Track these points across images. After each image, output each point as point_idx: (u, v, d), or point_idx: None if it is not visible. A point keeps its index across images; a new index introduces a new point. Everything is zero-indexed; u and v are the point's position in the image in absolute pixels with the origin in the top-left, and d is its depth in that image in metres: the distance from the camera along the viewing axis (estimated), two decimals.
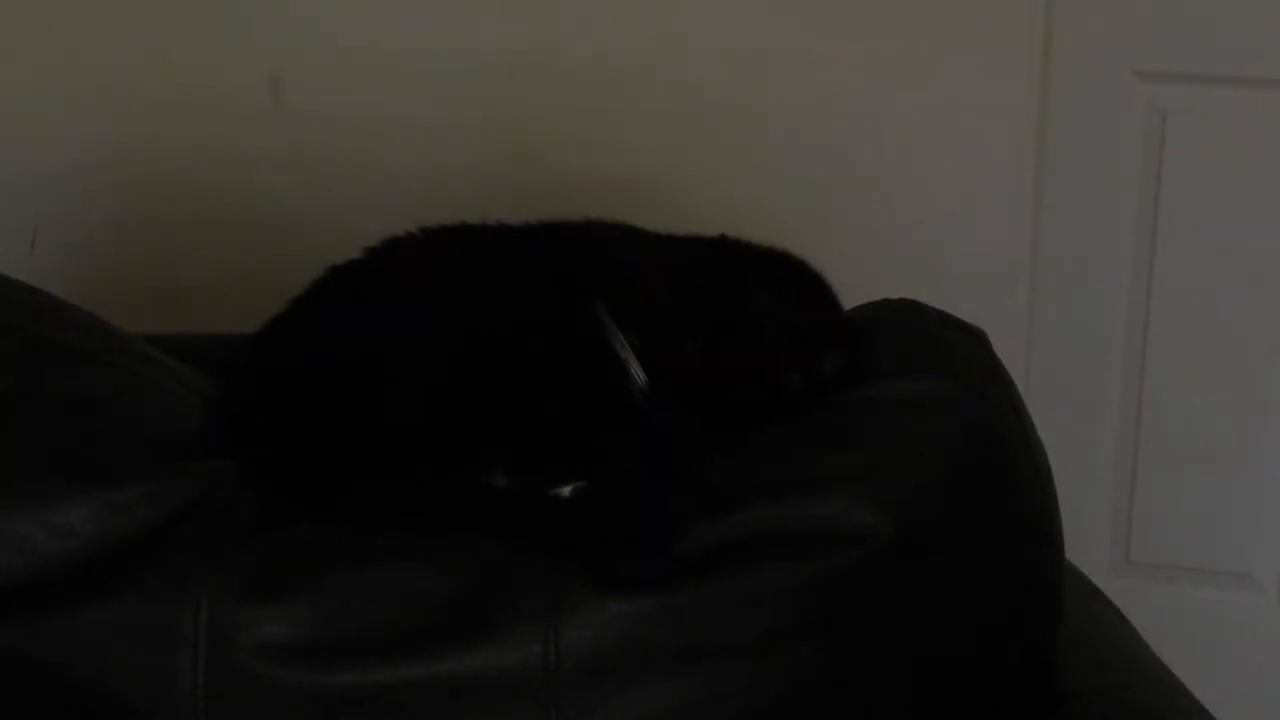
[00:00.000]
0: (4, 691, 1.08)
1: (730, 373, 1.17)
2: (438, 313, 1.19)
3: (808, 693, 1.10)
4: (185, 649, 1.07)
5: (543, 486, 1.12)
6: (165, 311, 1.81)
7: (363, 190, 1.89)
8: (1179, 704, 1.18)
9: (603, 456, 1.13)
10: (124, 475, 1.10)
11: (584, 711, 1.07)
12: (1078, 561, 1.32)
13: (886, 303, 1.29)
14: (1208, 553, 2.00)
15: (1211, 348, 1.93)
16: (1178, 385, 1.95)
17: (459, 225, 1.28)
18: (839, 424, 1.16)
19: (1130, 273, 1.93)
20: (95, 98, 1.86)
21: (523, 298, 1.19)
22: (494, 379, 1.15)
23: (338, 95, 1.87)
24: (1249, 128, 1.86)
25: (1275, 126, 1.85)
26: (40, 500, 1.09)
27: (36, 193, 1.90)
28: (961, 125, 1.88)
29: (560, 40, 1.87)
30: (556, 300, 1.19)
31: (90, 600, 1.08)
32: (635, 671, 1.07)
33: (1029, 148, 1.91)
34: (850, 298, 1.31)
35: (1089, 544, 1.96)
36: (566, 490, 1.12)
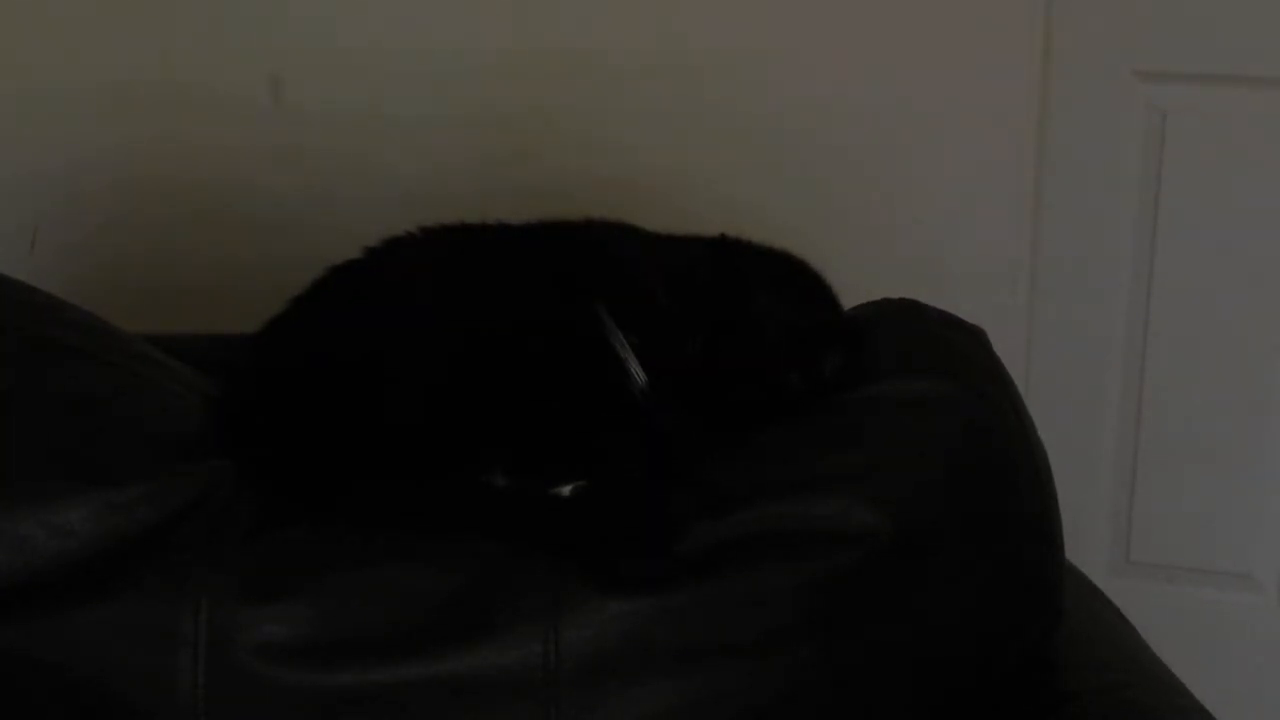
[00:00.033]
0: (4, 691, 1.08)
1: (730, 373, 1.17)
2: (438, 313, 1.19)
3: (808, 693, 1.10)
4: (185, 649, 1.07)
5: (543, 486, 1.12)
6: (165, 311, 1.81)
7: (363, 190, 1.89)
8: (1179, 704, 1.18)
9: (603, 456, 1.13)
10: (124, 475, 1.10)
11: (584, 711, 1.07)
12: (1078, 561, 1.32)
13: (886, 303, 1.29)
14: (1208, 553, 2.00)
15: (1211, 348, 1.93)
16: (1178, 385, 1.95)
17: (459, 225, 1.28)
18: (839, 424, 1.16)
19: (1130, 273, 1.93)
20: (95, 98, 1.86)
21: (523, 297, 1.19)
22: (494, 379, 1.15)
23: (338, 95, 1.87)
24: (1249, 128, 1.86)
25: (1275, 126, 1.85)
26: (40, 500, 1.09)
27: (36, 193, 1.90)
28: (961, 125, 1.88)
29: (560, 40, 1.87)
30: (556, 300, 1.19)
31: (90, 600, 1.08)
32: (635, 671, 1.07)
33: (1029, 148, 1.91)
34: (850, 298, 1.31)
35: (1089, 544, 1.96)
36: (566, 490, 1.12)
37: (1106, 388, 1.97)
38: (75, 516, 1.08)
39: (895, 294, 1.30)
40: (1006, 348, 1.27)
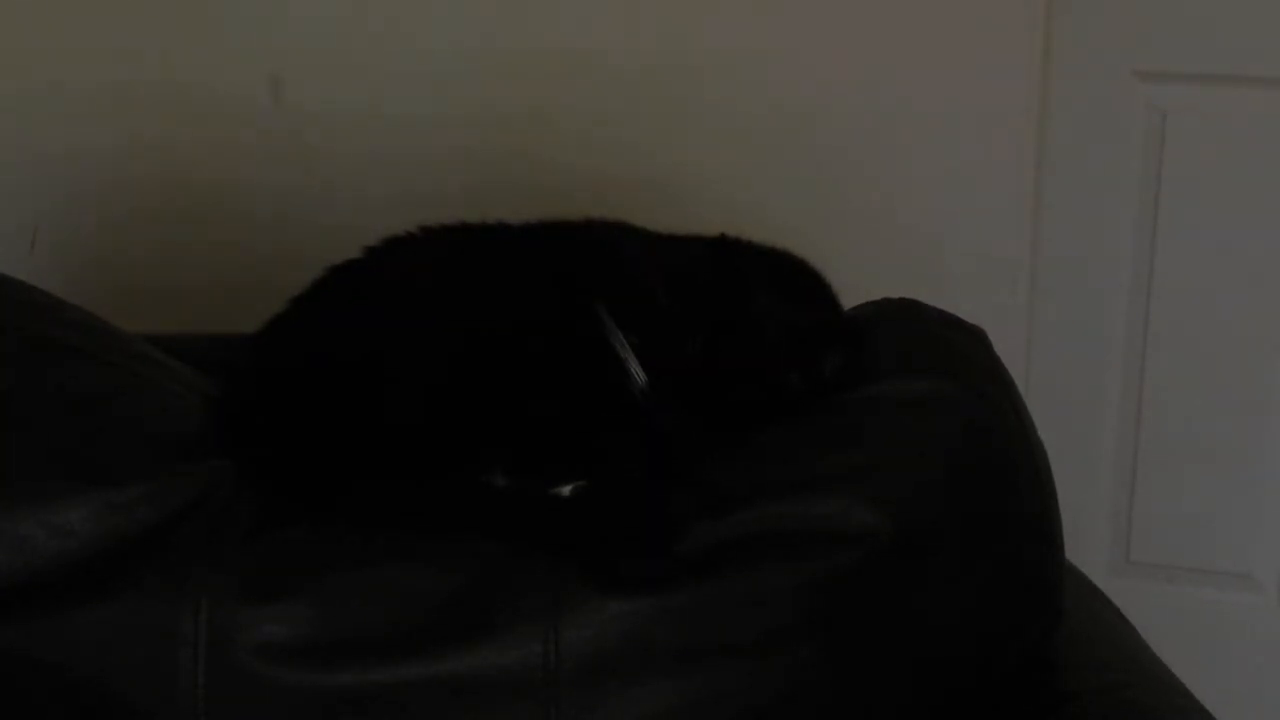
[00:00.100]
0: (4, 691, 1.08)
1: (730, 372, 1.17)
2: (438, 313, 1.19)
3: (808, 693, 1.10)
4: (185, 649, 1.07)
5: (543, 486, 1.12)
6: (165, 311, 1.81)
7: (362, 189, 1.89)
8: (1179, 704, 1.18)
9: (603, 456, 1.13)
10: (124, 475, 1.10)
11: (584, 711, 1.07)
12: (1078, 561, 1.32)
13: (886, 303, 1.29)
14: (1208, 553, 2.00)
15: (1211, 348, 1.93)
16: (1178, 385, 1.95)
17: (459, 224, 1.28)
18: (839, 424, 1.16)
19: (1130, 273, 1.93)
20: (95, 98, 1.86)
21: (523, 297, 1.19)
22: (494, 379, 1.15)
23: (338, 95, 1.87)
24: (1249, 128, 1.86)
25: (1275, 126, 1.85)
26: (40, 500, 1.09)
27: (36, 193, 1.90)
28: (961, 125, 1.88)
29: (560, 40, 1.87)
30: (556, 300, 1.19)
31: (90, 600, 1.08)
32: (635, 671, 1.07)
33: (1029, 148, 1.91)
34: (850, 298, 1.31)
35: (1089, 544, 1.96)
36: (566, 490, 1.12)
37: (1106, 388, 1.97)
38: (75, 516, 1.08)
39: (895, 294, 1.30)
40: (1006, 348, 1.27)
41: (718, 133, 1.90)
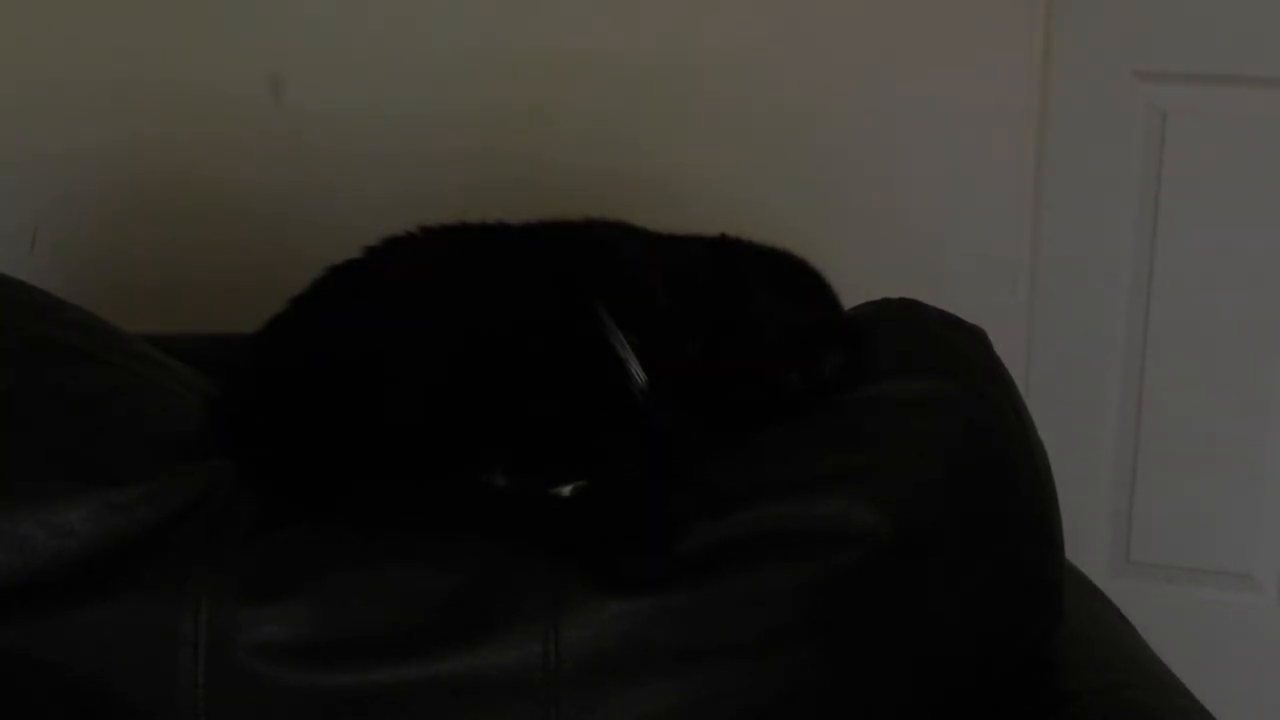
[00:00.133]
0: (4, 691, 1.08)
1: (730, 372, 1.17)
2: (438, 312, 1.19)
3: (808, 693, 1.10)
4: (185, 649, 1.07)
5: (543, 486, 1.12)
6: (165, 311, 1.81)
7: (363, 189, 1.89)
8: (1179, 704, 1.18)
9: (603, 456, 1.13)
10: (124, 475, 1.10)
11: (584, 711, 1.07)
12: (1078, 561, 1.32)
13: (886, 303, 1.29)
14: (1208, 553, 2.00)
15: (1211, 347, 1.93)
16: (1178, 385, 1.95)
17: (459, 224, 1.28)
18: (839, 424, 1.16)
19: (1130, 273, 1.93)
20: (95, 97, 1.86)
21: (523, 297, 1.19)
22: (494, 378, 1.15)
23: (338, 95, 1.87)
24: (1249, 128, 1.86)
25: (1275, 126, 1.85)
26: (40, 500, 1.09)
27: (36, 193, 1.90)
28: (961, 125, 1.88)
29: (560, 40, 1.87)
30: (556, 300, 1.19)
31: (90, 600, 1.08)
32: (635, 671, 1.07)
33: (1029, 148, 1.91)
34: (850, 298, 1.31)
35: (1089, 544, 1.96)
36: (566, 490, 1.12)
37: (1106, 388, 1.97)
38: (75, 516, 1.08)
39: (895, 294, 1.30)
40: (1006, 348, 1.27)
41: (718, 133, 1.90)
